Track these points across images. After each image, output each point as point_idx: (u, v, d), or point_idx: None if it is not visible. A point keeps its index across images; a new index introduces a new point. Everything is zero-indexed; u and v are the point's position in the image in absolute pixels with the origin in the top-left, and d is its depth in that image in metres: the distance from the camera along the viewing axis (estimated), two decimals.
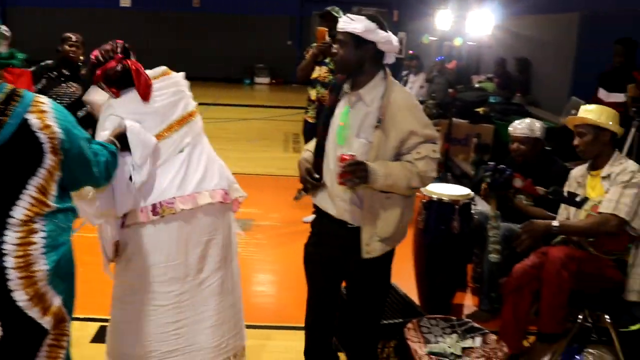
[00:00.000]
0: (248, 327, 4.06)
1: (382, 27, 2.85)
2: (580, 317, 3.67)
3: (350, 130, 2.92)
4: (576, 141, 3.62)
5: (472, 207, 4.35)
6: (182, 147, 2.93)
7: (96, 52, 2.87)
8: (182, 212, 2.86)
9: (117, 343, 3.04)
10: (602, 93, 6.28)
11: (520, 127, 4.36)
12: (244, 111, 13.88)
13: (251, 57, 18.14)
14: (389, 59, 2.95)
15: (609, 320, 3.52)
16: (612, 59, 6.41)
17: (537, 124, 4.38)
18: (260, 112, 13.91)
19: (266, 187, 7.45)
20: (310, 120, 5.91)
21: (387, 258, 3.03)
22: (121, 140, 2.73)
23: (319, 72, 5.74)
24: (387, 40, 2.85)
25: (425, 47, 12.42)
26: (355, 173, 2.72)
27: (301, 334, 3.78)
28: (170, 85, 3.00)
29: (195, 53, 17.56)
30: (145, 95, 2.84)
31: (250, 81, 18.33)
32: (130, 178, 2.75)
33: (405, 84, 10.55)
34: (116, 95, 2.84)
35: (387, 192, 2.85)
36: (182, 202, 2.86)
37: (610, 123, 3.55)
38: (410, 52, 11.48)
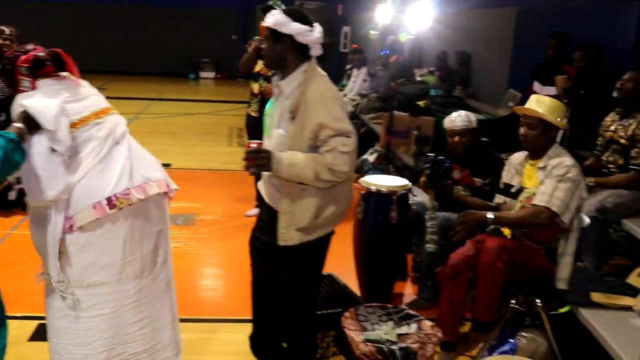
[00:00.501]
0: (193, 320, 4.10)
1: (299, 20, 2.91)
2: (513, 302, 3.78)
3: (273, 120, 3.04)
4: (522, 131, 3.67)
5: (410, 197, 4.43)
6: (116, 136, 2.89)
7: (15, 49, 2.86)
8: (137, 203, 2.83)
9: (79, 349, 2.89)
10: (536, 86, 6.43)
11: (459, 119, 4.47)
12: (188, 106, 13.80)
13: (196, 52, 18.01)
14: (315, 52, 2.99)
15: (540, 305, 3.64)
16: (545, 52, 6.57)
17: (472, 116, 4.51)
18: (205, 106, 13.86)
19: (210, 182, 7.46)
20: (253, 114, 5.92)
21: (313, 247, 3.07)
22: (28, 121, 2.65)
23: (262, 65, 5.75)
24: (303, 32, 2.91)
25: (369, 40, 12.51)
26: (257, 160, 2.83)
27: (245, 326, 3.83)
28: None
29: (139, 47, 17.35)
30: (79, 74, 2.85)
31: (195, 75, 18.19)
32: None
33: (349, 77, 10.63)
34: (32, 86, 2.78)
35: (302, 184, 2.92)
36: (137, 192, 2.83)
37: (559, 120, 3.61)
38: (354, 45, 11.55)
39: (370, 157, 7.78)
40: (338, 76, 13.41)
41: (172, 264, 3.16)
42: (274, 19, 2.92)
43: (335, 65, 14.63)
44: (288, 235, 3.00)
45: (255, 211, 6.16)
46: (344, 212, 3.15)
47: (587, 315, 3.45)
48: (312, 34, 2.94)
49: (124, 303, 2.89)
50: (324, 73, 3.04)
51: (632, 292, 3.56)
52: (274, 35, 2.94)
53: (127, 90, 14.29)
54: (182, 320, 4.02)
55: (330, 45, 8.98)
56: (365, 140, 8.72)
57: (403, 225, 4.33)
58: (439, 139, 6.42)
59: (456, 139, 4.48)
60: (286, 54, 2.95)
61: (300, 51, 2.96)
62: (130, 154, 2.92)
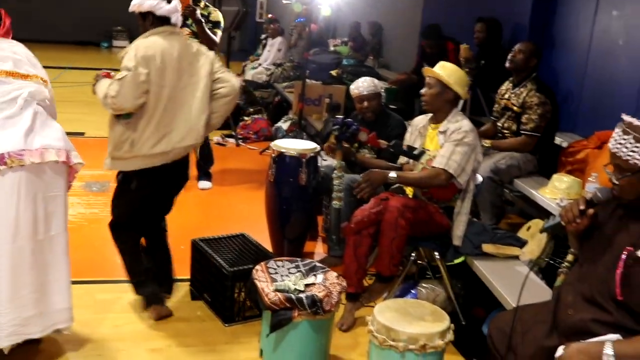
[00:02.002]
0: (110, 282, 4.19)
1: None
2: (413, 256, 4.06)
3: None
4: (423, 90, 3.93)
5: (319, 160, 4.64)
6: (23, 100, 2.98)
7: None
8: (30, 165, 2.92)
9: None
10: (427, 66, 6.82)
11: (366, 85, 4.70)
12: None
13: (108, 19, 17.55)
14: (174, 19, 3.65)
15: (438, 257, 3.93)
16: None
17: (377, 81, 4.75)
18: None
19: None
20: None
21: (124, 179, 3.63)
22: None
23: None
24: (157, 5, 3.54)
25: (285, 10, 12.58)
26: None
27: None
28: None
29: (48, 15, 16.76)
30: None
31: (108, 44, 17.76)
32: None
33: (264, 47, 10.72)
34: None
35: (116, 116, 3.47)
36: (31, 156, 2.92)
37: (457, 84, 3.85)
38: (270, 15, 11.62)
39: (283, 124, 7.96)
40: (253, 45, 13.46)
41: (68, 233, 3.24)
42: (133, 4, 3.58)
43: (251, 34, 14.65)
44: (105, 160, 3.55)
45: None
46: (147, 158, 3.50)
47: (479, 264, 3.76)
48: (167, 6, 3.57)
49: (19, 263, 2.97)
50: (165, 35, 3.56)
51: (519, 243, 3.90)
52: (141, 15, 3.60)
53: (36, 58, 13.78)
54: (99, 282, 4.18)
55: (244, 15, 9.03)
56: (280, 108, 8.90)
57: (312, 186, 4.53)
58: (350, 106, 6.67)
59: (364, 104, 4.70)
60: (147, 28, 3.58)
61: (162, 21, 3.59)
62: (35, 119, 3.02)
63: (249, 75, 10.05)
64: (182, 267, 4.28)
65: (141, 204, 3.69)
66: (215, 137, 7.32)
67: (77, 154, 3.26)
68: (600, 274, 2.40)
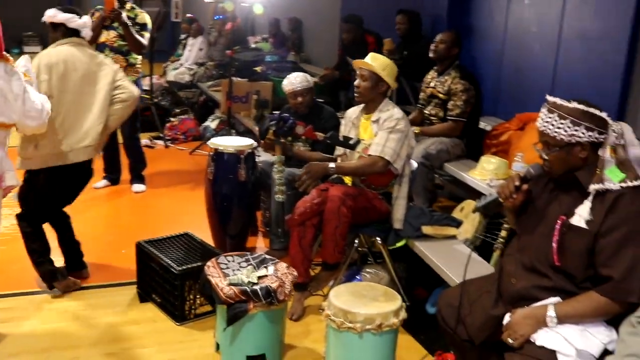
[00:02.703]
0: (37, 293, 4.15)
1: (67, 11, 4.00)
2: (356, 242, 4.21)
3: None
4: (357, 82, 4.06)
5: (256, 156, 4.73)
6: None
7: None
8: None
9: None
10: (350, 60, 7.00)
11: (299, 80, 4.81)
12: None
13: (19, 25, 17.00)
14: (83, 33, 4.06)
15: (380, 242, 4.09)
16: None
17: (309, 76, 4.88)
18: None
19: None
20: None
21: (31, 177, 3.92)
22: None
23: (107, 36, 5.77)
24: (71, 18, 3.97)
25: (203, 9, 12.52)
26: None
27: (103, 291, 4.02)
28: None
29: None
30: None
31: (19, 50, 17.22)
32: None
33: (184, 47, 10.67)
34: None
35: None
36: None
37: (388, 76, 4.01)
38: (189, 15, 11.56)
39: (212, 123, 7.99)
40: (170, 46, 13.35)
41: None
42: (47, 14, 3.98)
43: (168, 35, 14.51)
44: (17, 160, 3.74)
45: (103, 183, 6.20)
46: (50, 157, 3.82)
47: (420, 246, 3.94)
48: (79, 20, 3.98)
49: None
50: (72, 45, 3.97)
51: (455, 223, 4.10)
52: (52, 25, 4.00)
53: None
54: (41, 293, 4.13)
55: (165, 15, 8.99)
56: (206, 108, 8.91)
57: (251, 182, 4.63)
58: (278, 102, 6.77)
59: (299, 99, 4.81)
60: (58, 39, 3.98)
61: (72, 33, 4.00)
62: None
63: (171, 76, 10.00)
64: (125, 271, 4.32)
65: (47, 198, 3.98)
66: (144, 140, 7.28)
67: (14, 174, 3.30)
68: (538, 243, 2.60)
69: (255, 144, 4.69)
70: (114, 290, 4.22)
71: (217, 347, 3.49)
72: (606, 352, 2.34)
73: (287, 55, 9.68)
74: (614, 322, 2.39)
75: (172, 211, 5.76)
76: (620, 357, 2.20)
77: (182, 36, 11.12)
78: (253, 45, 10.29)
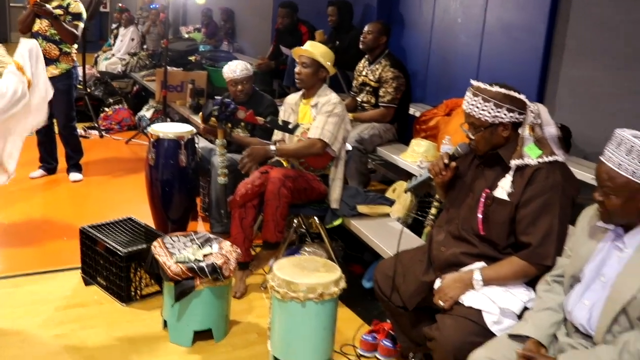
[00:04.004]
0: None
1: None
2: (295, 222, 4.40)
3: None
4: (298, 69, 4.22)
5: (196, 142, 4.85)
6: None
7: None
8: None
9: None
10: (284, 50, 7.19)
11: (239, 69, 4.93)
12: None
13: None
14: None
15: (318, 222, 4.29)
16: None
17: (248, 64, 5.02)
18: None
19: None
20: None
21: None
22: None
23: (40, 24, 5.75)
24: None
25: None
26: None
27: (45, 277, 4.09)
28: None
29: None
30: None
31: None
32: None
33: (115, 37, 10.60)
34: None
35: None
36: None
37: (329, 64, 4.21)
38: (120, 5, 11.47)
39: (146, 113, 8.03)
40: (99, 36, 13.21)
41: None
42: None
43: (96, 25, 14.33)
44: None
45: (39, 172, 6.19)
46: None
47: (356, 224, 4.16)
48: None
49: None
50: None
51: (388, 202, 4.34)
52: None
53: None
54: None
55: (97, 4, 8.92)
56: (139, 97, 8.92)
57: (192, 167, 4.75)
58: (212, 91, 6.90)
59: (239, 87, 4.94)
60: None
61: None
62: None
63: (103, 66, 9.94)
64: (68, 257, 4.40)
65: None
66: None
67: None
68: (465, 214, 2.85)
69: (194, 130, 4.81)
70: (58, 275, 4.27)
71: (165, 324, 3.62)
72: (525, 310, 2.60)
73: (220, 45, 9.76)
74: (533, 283, 2.66)
75: (112, 199, 5.82)
76: (536, 312, 2.46)
77: (114, 26, 11.05)
78: (185, 35, 10.33)
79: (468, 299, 2.67)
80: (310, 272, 3.06)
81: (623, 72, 3.90)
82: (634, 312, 2.13)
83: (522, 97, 2.74)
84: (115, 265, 3.90)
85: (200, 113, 4.74)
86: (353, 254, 4.61)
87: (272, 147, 4.12)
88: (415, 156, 4.67)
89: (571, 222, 2.63)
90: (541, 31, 4.48)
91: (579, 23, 4.28)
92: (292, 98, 4.42)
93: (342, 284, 3.06)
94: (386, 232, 4.00)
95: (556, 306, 2.43)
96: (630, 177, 2.10)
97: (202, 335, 3.53)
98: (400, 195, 4.44)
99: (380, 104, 5.24)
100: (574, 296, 2.36)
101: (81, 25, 5.86)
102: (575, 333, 2.35)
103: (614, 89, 3.96)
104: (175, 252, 3.51)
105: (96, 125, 7.94)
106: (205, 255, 3.49)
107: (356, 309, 3.97)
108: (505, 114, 2.71)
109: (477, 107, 2.73)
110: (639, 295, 2.11)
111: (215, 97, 4.44)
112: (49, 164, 6.26)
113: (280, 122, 4.24)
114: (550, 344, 2.37)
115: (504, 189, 2.76)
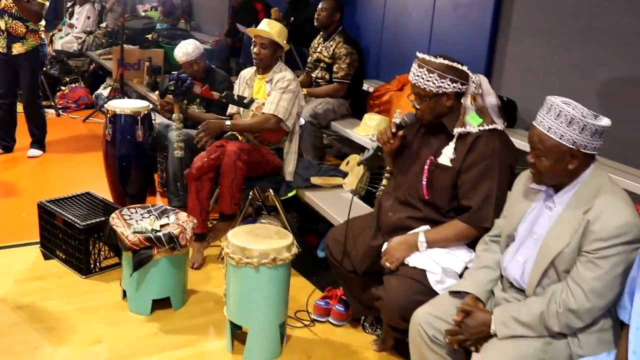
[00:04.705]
0: None
1: None
2: (250, 194, 4.51)
3: None
4: (256, 50, 4.28)
5: (153, 118, 4.91)
6: None
7: None
8: None
9: None
10: (240, 27, 7.24)
11: (192, 49, 4.97)
12: None
13: None
14: None
15: (273, 194, 4.41)
16: None
17: (198, 42, 5.07)
18: None
19: None
20: (1, 50, 5.87)
21: None
22: None
23: (5, 2, 5.72)
24: None
25: None
26: None
27: (5, 252, 4.14)
28: None
29: None
30: None
31: None
32: None
33: (71, 15, 10.49)
34: None
35: None
36: None
37: (284, 41, 4.30)
38: None
39: (104, 91, 8.02)
40: (54, 15, 12.98)
41: None
42: None
43: (52, 3, 14.08)
44: None
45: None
46: None
47: (310, 195, 4.29)
48: None
49: None
50: None
51: (341, 174, 4.48)
52: None
53: None
54: None
55: None
56: (96, 76, 8.89)
57: (149, 143, 4.81)
58: (170, 68, 6.92)
59: (194, 67, 4.98)
60: None
61: None
62: None
63: (59, 44, 9.84)
64: (27, 232, 4.45)
65: None
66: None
67: None
68: (411, 181, 2.99)
69: (151, 105, 4.87)
70: (16, 250, 4.32)
71: (124, 294, 3.70)
72: (466, 269, 2.76)
73: (177, 23, 9.75)
74: (474, 245, 2.82)
75: (70, 175, 5.84)
76: (475, 270, 2.62)
77: (69, 4, 10.93)
78: (142, 14, 10.28)
79: (413, 260, 2.82)
80: (264, 239, 3.17)
81: (566, 49, 4.07)
82: (562, 266, 2.29)
83: (465, 68, 2.88)
84: (74, 238, 3.96)
85: (157, 89, 4.78)
86: (308, 226, 4.73)
87: (228, 122, 4.22)
88: (368, 130, 4.80)
89: (510, 188, 2.79)
90: (489, 9, 4.62)
91: (525, 2, 4.43)
92: (247, 73, 4.50)
93: (294, 250, 3.18)
94: (339, 202, 4.14)
95: (493, 264, 2.59)
96: (559, 140, 2.25)
97: (160, 304, 3.63)
98: (354, 168, 4.57)
99: (334, 80, 5.36)
100: (508, 254, 2.52)
101: (47, 4, 5.86)
102: (510, 288, 2.51)
103: (557, 65, 4.13)
104: (133, 223, 3.60)
105: (53, 104, 7.91)
106: (162, 226, 3.59)
107: (311, 277, 4.11)
108: (448, 84, 2.84)
109: (422, 78, 2.86)
110: (566, 250, 2.27)
111: (172, 72, 4.49)
112: (5, 141, 6.24)
113: (235, 97, 4.33)
114: (487, 299, 2.54)
115: (447, 155, 2.90)
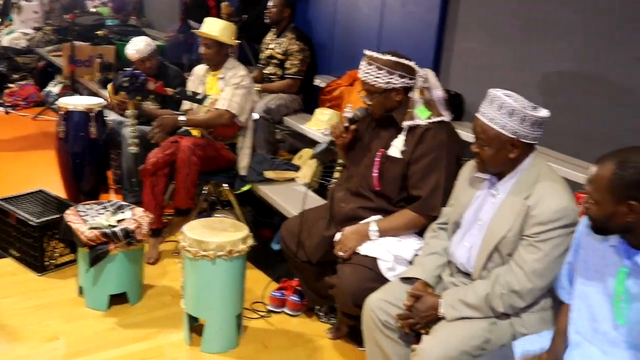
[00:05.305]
0: None
1: None
2: (205, 189, 4.56)
3: None
4: (203, 50, 4.34)
5: (106, 115, 4.91)
6: None
7: None
8: None
9: None
10: (193, 24, 7.23)
11: (143, 46, 4.94)
12: None
13: None
14: None
15: (227, 188, 4.46)
16: None
17: (149, 39, 5.06)
18: None
19: None
20: None
21: None
22: None
23: None
24: None
25: None
26: None
27: None
28: None
29: None
30: None
31: None
32: None
33: (19, 10, 10.32)
34: None
35: None
36: None
37: (229, 39, 4.34)
38: None
39: (54, 88, 7.93)
40: (2, 11, 12.75)
41: None
42: None
43: None
44: None
45: None
46: None
47: (264, 189, 4.36)
48: None
49: None
50: None
51: (294, 168, 4.56)
52: None
53: None
54: None
55: None
56: (46, 73, 8.77)
57: (102, 139, 4.81)
58: (121, 65, 6.89)
59: (147, 64, 4.97)
60: None
61: None
62: None
63: (6, 41, 9.67)
64: None
65: None
66: None
67: None
68: (362, 172, 3.10)
69: (104, 102, 4.87)
70: None
71: (80, 291, 3.72)
72: (416, 256, 2.87)
73: (128, 19, 9.69)
74: (422, 234, 2.93)
75: (21, 173, 5.77)
76: (424, 256, 2.73)
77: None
78: (92, 10, 10.17)
79: (365, 249, 2.92)
80: (219, 231, 3.23)
81: (509, 45, 4.21)
82: (505, 250, 2.42)
83: (412, 63, 2.98)
84: (28, 235, 3.95)
85: (110, 86, 4.78)
86: (262, 220, 4.80)
87: (182, 117, 4.25)
88: (320, 124, 4.88)
89: (457, 177, 2.90)
90: (436, 5, 4.73)
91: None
92: (200, 69, 4.55)
93: (250, 242, 3.24)
94: (293, 195, 4.22)
95: (441, 250, 2.71)
96: (501, 130, 2.37)
97: (117, 299, 3.66)
98: (306, 161, 4.66)
99: (286, 76, 5.42)
100: (455, 240, 2.64)
101: None
102: (457, 273, 2.64)
103: (501, 60, 4.27)
104: (89, 219, 3.62)
105: (1, 101, 7.80)
106: (118, 221, 3.61)
107: (266, 270, 4.18)
108: (397, 80, 2.94)
109: (372, 75, 2.96)
110: (509, 235, 2.40)
111: (125, 68, 4.50)
112: None
113: (189, 93, 4.37)
114: (436, 284, 2.65)
115: (397, 147, 3.01)
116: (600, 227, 2.04)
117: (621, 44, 3.53)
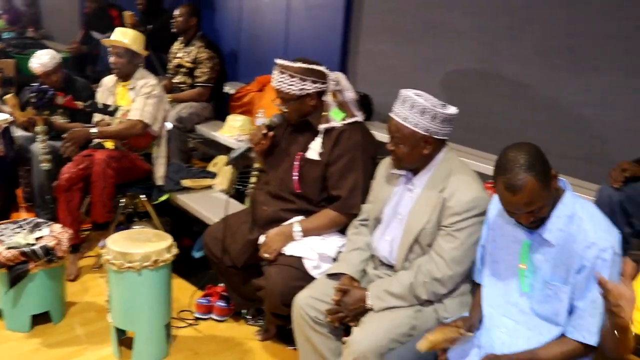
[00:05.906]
0: None
1: None
2: (122, 201, 4.53)
3: None
4: (113, 60, 4.31)
5: (13, 130, 4.79)
6: None
7: None
8: None
9: None
10: (96, 35, 7.16)
11: (48, 59, 4.81)
12: None
13: None
14: None
15: (144, 199, 4.45)
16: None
17: (53, 52, 4.96)
18: None
19: None
20: None
21: None
22: None
23: None
24: None
25: None
26: None
27: None
28: None
29: None
30: None
31: None
32: None
33: None
34: None
35: None
36: None
37: (140, 48, 4.35)
38: None
39: None
40: None
41: None
42: None
43: None
44: None
45: None
46: None
47: (182, 197, 4.38)
48: None
49: None
50: None
51: (210, 175, 4.60)
52: None
53: None
54: None
55: None
56: None
57: (10, 157, 4.69)
58: (22, 79, 6.71)
59: (52, 77, 4.84)
60: None
61: None
62: None
63: None
64: None
65: None
66: None
67: None
68: (282, 176, 3.19)
69: (10, 118, 4.75)
70: None
71: (0, 313, 3.63)
72: (340, 253, 2.99)
73: (25, 31, 9.41)
74: (344, 231, 3.05)
75: None
76: (348, 252, 2.86)
77: None
78: None
79: (290, 249, 3.01)
80: (143, 242, 3.24)
81: (413, 47, 4.40)
82: (425, 241, 2.57)
83: (322, 68, 3.10)
84: None
85: (9, 99, 4.66)
86: (181, 229, 4.80)
87: (94, 130, 4.21)
88: (233, 131, 4.95)
89: (374, 175, 3.03)
90: (339, 10, 4.89)
91: (372, 3, 4.73)
92: (109, 80, 4.51)
93: (174, 250, 3.27)
94: (211, 202, 4.26)
95: (364, 245, 2.83)
96: (414, 128, 2.52)
97: (39, 319, 3.59)
98: (222, 168, 4.71)
99: (196, 84, 5.45)
100: (377, 235, 2.77)
101: None
102: (381, 266, 2.77)
103: (406, 61, 4.46)
104: (5, 239, 3.54)
105: None
106: (36, 239, 3.55)
107: (190, 278, 4.19)
108: (310, 86, 3.05)
109: (285, 83, 3.05)
110: (427, 227, 2.55)
111: (32, 84, 4.41)
112: None
113: (100, 105, 4.33)
114: (361, 277, 2.78)
115: (315, 150, 3.12)
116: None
117: (515, 43, 3.77)
